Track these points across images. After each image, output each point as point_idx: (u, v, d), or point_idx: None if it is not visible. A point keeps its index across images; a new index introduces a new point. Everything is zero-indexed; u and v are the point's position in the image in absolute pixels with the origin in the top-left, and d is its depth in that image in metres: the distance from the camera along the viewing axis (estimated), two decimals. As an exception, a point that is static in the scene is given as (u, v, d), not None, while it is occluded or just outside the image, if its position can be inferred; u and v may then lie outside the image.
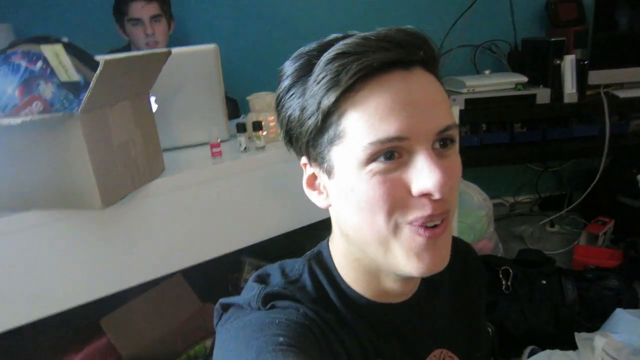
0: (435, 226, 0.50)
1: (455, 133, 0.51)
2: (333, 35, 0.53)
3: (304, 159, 0.58)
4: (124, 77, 0.83)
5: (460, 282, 0.70)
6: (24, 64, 0.75)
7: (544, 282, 1.54)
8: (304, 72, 0.52)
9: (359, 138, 0.49)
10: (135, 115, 0.91)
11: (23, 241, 0.86)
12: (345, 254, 0.59)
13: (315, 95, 0.50)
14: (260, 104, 1.16)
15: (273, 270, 0.63)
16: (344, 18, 2.13)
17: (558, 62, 1.83)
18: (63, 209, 0.86)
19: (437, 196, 0.48)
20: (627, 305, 1.42)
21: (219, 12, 2.05)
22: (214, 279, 1.56)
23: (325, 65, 0.49)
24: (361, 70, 0.48)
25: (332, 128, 0.51)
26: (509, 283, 1.52)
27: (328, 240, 0.63)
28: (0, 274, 0.84)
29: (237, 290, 1.55)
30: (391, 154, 0.49)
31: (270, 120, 1.18)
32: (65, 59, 0.79)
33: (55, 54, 0.77)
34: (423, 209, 0.49)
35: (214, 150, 1.10)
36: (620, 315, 1.31)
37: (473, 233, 1.76)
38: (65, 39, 0.81)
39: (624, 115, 2.00)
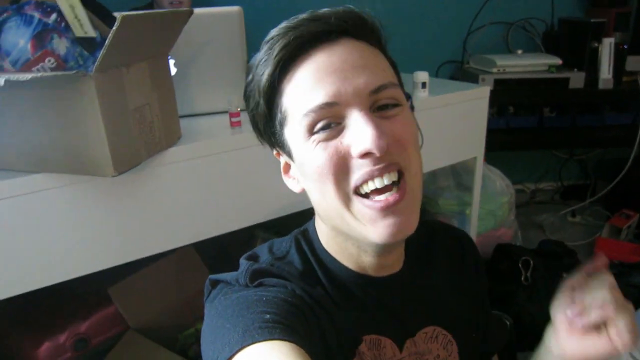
0: (388, 191, 0.50)
1: (395, 94, 0.52)
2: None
3: (275, 150, 0.60)
4: (143, 36, 0.77)
5: (457, 264, 0.70)
6: (37, 15, 0.70)
7: (565, 274, 1.48)
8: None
9: (296, 113, 0.51)
10: (153, 78, 0.86)
11: (32, 204, 0.82)
12: (325, 230, 0.60)
13: (256, 81, 0.53)
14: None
15: (261, 250, 0.63)
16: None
17: (596, 45, 1.73)
18: (74, 174, 0.81)
19: (376, 152, 0.48)
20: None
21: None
22: (226, 252, 1.53)
23: (261, 52, 0.53)
24: (282, 49, 0.50)
25: (278, 110, 0.53)
26: (528, 274, 1.47)
27: (314, 219, 0.64)
28: (8, 238, 0.80)
29: (249, 265, 1.52)
30: (327, 124, 0.50)
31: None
32: (82, 12, 0.73)
33: (70, 6, 0.71)
34: (363, 168, 0.50)
35: (233, 119, 1.04)
36: (645, 315, 1.25)
37: (494, 219, 1.70)
38: (81, -9, 0.75)
39: (659, 105, 1.91)
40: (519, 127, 1.90)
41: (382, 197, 0.50)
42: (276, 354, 0.44)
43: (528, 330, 1.42)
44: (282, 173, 0.62)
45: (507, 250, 1.54)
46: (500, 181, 1.73)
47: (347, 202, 0.51)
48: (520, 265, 1.46)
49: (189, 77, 1.09)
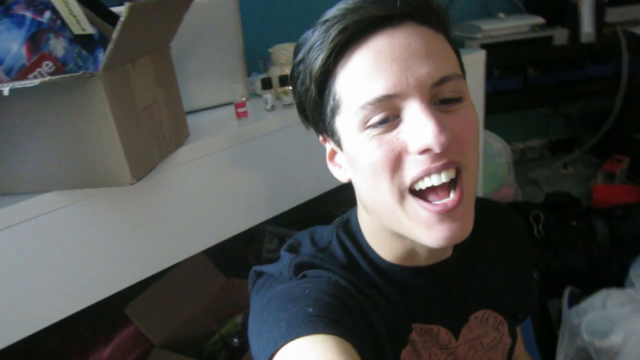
0: (446, 195, 0.48)
1: (458, 86, 0.49)
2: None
3: (321, 136, 0.58)
4: (147, 28, 0.70)
5: (504, 248, 0.69)
6: (29, 14, 0.62)
7: (575, 223, 1.51)
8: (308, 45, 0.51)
9: (351, 103, 0.48)
10: (157, 74, 0.79)
11: (43, 227, 0.74)
12: (369, 223, 0.58)
13: (308, 65, 0.50)
14: (286, 56, 1.04)
15: (303, 238, 0.62)
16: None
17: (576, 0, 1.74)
18: (87, 187, 0.74)
19: (436, 149, 0.45)
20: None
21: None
22: (234, 252, 1.49)
23: (314, 35, 0.49)
24: (339, 33, 0.47)
25: (330, 98, 0.51)
26: (540, 228, 1.49)
27: (355, 210, 0.62)
28: (19, 270, 0.72)
29: (259, 262, 1.47)
30: (385, 118, 0.47)
31: (295, 74, 1.07)
32: (77, 8, 0.66)
33: (64, 2, 0.64)
34: (420, 165, 0.47)
35: (240, 110, 0.99)
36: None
37: (495, 181, 1.70)
38: (72, -15, 0.67)
39: (638, 52, 1.94)
40: (505, 89, 1.91)
41: (440, 200, 0.48)
42: (319, 349, 0.44)
43: (548, 280, 1.44)
44: (328, 160, 0.60)
45: (516, 207, 1.55)
46: (496, 143, 1.73)
47: (401, 200, 0.49)
48: (531, 220, 1.47)
49: (186, 71, 1.01)
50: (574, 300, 1.29)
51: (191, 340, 1.24)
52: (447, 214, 0.48)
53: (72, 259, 0.77)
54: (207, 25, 0.99)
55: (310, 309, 0.48)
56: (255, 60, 1.26)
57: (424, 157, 0.47)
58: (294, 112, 1.01)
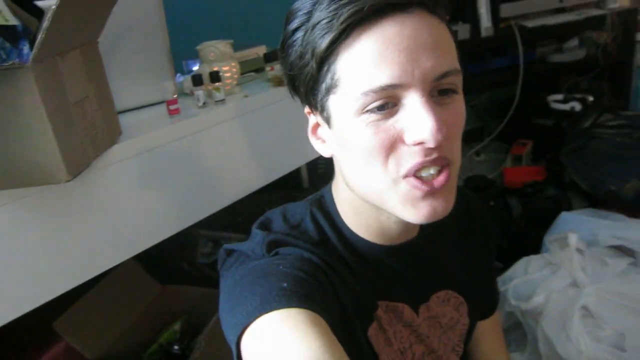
0: (431, 177, 0.50)
1: (456, 80, 0.50)
2: None
3: (307, 108, 0.58)
4: (77, 19, 0.69)
5: (464, 230, 0.72)
6: (-54, 4, 0.59)
7: (492, 203, 1.64)
8: (308, 16, 0.50)
9: (352, 87, 0.48)
10: (87, 68, 0.78)
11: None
12: (348, 200, 0.59)
13: (311, 41, 0.49)
14: (214, 52, 1.05)
15: (275, 215, 0.63)
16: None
17: (472, -4, 1.91)
18: (19, 187, 0.71)
19: (431, 144, 0.47)
20: (564, 210, 1.57)
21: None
22: (168, 259, 1.45)
23: (322, 10, 0.48)
24: (352, 15, 0.46)
25: (328, 76, 0.50)
26: (462, 210, 1.60)
27: (331, 185, 0.64)
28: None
29: (194, 267, 1.45)
30: (383, 105, 0.48)
31: (225, 70, 1.08)
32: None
33: (-16, -8, 0.61)
34: (414, 156, 0.49)
35: (172, 107, 0.98)
36: (566, 217, 1.44)
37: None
38: (-10, -25, 0.65)
39: (531, 44, 2.16)
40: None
41: (427, 177, 0.50)
42: (293, 322, 0.45)
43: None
44: (310, 132, 0.59)
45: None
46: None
47: (392, 185, 0.50)
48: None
49: (113, 69, 0.98)
50: (498, 275, 1.40)
51: (128, 351, 1.19)
52: (431, 193, 0.50)
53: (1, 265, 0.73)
54: (131, 21, 0.97)
55: (285, 284, 0.49)
56: (178, 61, 1.25)
57: (418, 149, 0.48)
58: (226, 109, 1.04)
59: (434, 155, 0.49)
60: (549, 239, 1.26)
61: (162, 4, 1.00)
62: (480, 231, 0.74)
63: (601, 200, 1.74)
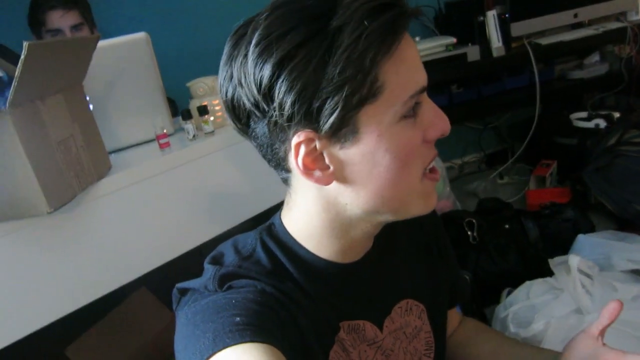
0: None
1: None
2: None
3: (300, 136, 0.49)
4: (52, 66, 0.76)
5: (416, 233, 0.71)
6: None
7: (507, 226, 1.58)
8: (317, 34, 0.46)
9: (400, 92, 0.49)
10: (71, 110, 0.85)
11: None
12: (309, 225, 0.58)
13: (357, 54, 0.45)
14: (203, 88, 1.11)
15: (226, 248, 0.61)
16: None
17: (481, 18, 1.90)
18: (6, 220, 0.77)
19: (447, 134, 0.53)
20: (585, 233, 1.49)
21: (144, 6, 1.96)
22: (174, 282, 1.49)
23: (361, 25, 0.45)
24: (402, 25, 0.48)
25: (365, 87, 0.47)
26: (474, 234, 1.55)
27: (280, 214, 0.62)
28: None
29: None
30: (413, 110, 0.51)
31: (215, 104, 1.14)
32: (-18, 52, 0.71)
33: (-32, 47, 0.69)
34: (432, 150, 0.54)
35: (162, 141, 1.04)
36: (582, 240, 1.37)
37: (432, 194, 1.78)
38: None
39: (548, 62, 2.11)
40: (433, 107, 2.02)
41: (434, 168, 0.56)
42: (247, 357, 0.44)
43: (486, 286, 1.50)
44: (302, 167, 0.51)
45: (451, 217, 1.62)
46: (429, 158, 1.82)
47: (419, 183, 0.54)
48: (465, 227, 1.53)
49: (107, 111, 1.07)
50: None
51: (136, 377, 1.22)
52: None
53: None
54: (122, 66, 1.05)
55: (238, 318, 0.48)
56: (185, 99, 1.33)
57: (431, 144, 0.54)
58: (215, 140, 1.08)
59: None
60: (554, 262, 1.20)
61: (151, 47, 1.07)
62: (432, 233, 0.73)
63: (628, 222, 1.64)
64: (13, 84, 0.67)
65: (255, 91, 0.48)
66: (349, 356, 0.60)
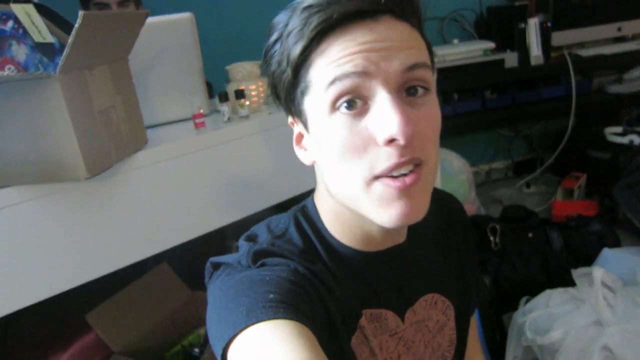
0: (404, 175, 0.49)
1: (427, 75, 0.50)
2: None
3: (290, 117, 0.59)
4: (102, 37, 0.79)
5: (446, 230, 0.71)
6: (-7, 23, 0.70)
7: (531, 234, 1.57)
8: (285, 26, 0.52)
9: (321, 82, 0.49)
10: (115, 81, 0.87)
11: (1, 222, 0.80)
12: (330, 207, 0.59)
13: (286, 49, 0.51)
14: (242, 72, 1.13)
15: (259, 229, 0.63)
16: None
17: (523, 25, 1.88)
18: (44, 182, 0.81)
19: (401, 141, 0.46)
20: (611, 247, 1.47)
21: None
22: (200, 267, 1.52)
23: (294, 19, 0.50)
24: (321, 22, 0.48)
25: (302, 80, 0.52)
26: (497, 240, 1.54)
27: (313, 196, 0.64)
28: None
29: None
30: (352, 100, 0.48)
31: (252, 89, 1.16)
32: (38, 19, 0.74)
33: (26, 13, 0.73)
34: (389, 158, 0.48)
35: (197, 120, 1.06)
36: (608, 254, 1.35)
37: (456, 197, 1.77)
38: (35, 0, 0.76)
39: (586, 74, 2.07)
40: (465, 111, 2.01)
41: (399, 175, 0.49)
42: (280, 333, 0.44)
43: (506, 292, 1.49)
44: (295, 143, 0.60)
45: (474, 221, 1.61)
46: (456, 161, 1.82)
47: (365, 186, 0.51)
48: (488, 232, 1.52)
49: (147, 87, 1.09)
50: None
51: (152, 349, 1.25)
52: (404, 191, 0.49)
53: (27, 251, 0.82)
54: (166, 44, 1.07)
55: (271, 295, 0.49)
56: (222, 82, 1.35)
57: (391, 150, 0.48)
58: (249, 124, 1.10)
59: (407, 157, 0.48)
60: (577, 273, 1.18)
61: (195, 27, 1.09)
62: (462, 233, 0.73)
63: (657, 241, 1.61)
64: (65, 51, 0.69)
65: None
66: (369, 344, 0.60)
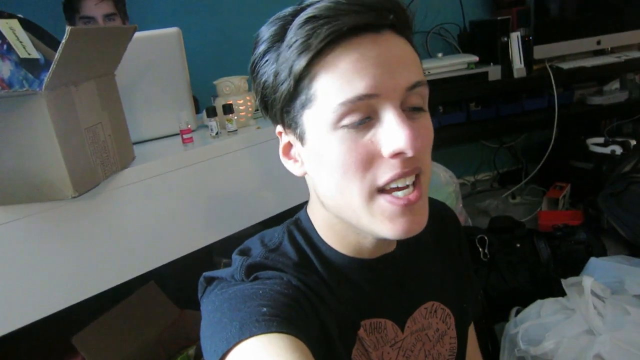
0: (407, 188, 0.51)
1: (425, 92, 0.53)
2: (308, 0, 0.52)
3: (279, 127, 0.58)
4: (89, 52, 0.78)
5: (440, 238, 0.72)
6: (-24, 39, 0.69)
7: (519, 245, 1.58)
8: (278, 37, 0.52)
9: (329, 100, 0.49)
10: (102, 97, 0.86)
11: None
12: (324, 218, 0.60)
13: (287, 60, 0.51)
14: (229, 87, 1.13)
15: (253, 243, 0.63)
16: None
17: (505, 39, 1.92)
18: (31, 202, 0.78)
19: (409, 153, 0.48)
20: (597, 256, 1.48)
21: (176, 1, 2.00)
22: (189, 285, 1.49)
23: (297, 30, 0.50)
24: (330, 34, 0.48)
25: (303, 92, 0.51)
26: (485, 250, 1.55)
27: (306, 208, 0.64)
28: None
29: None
30: (361, 119, 0.49)
31: (240, 104, 1.15)
32: (23, 34, 0.73)
33: (11, 28, 0.71)
34: (393, 168, 0.50)
35: (185, 136, 1.05)
36: (595, 263, 1.36)
37: (444, 209, 1.78)
38: (20, 15, 0.75)
39: (568, 86, 2.12)
40: (450, 123, 2.04)
41: (402, 193, 0.51)
42: (273, 347, 0.44)
43: (496, 302, 1.49)
44: (281, 153, 0.60)
45: (463, 233, 1.62)
46: (443, 173, 1.83)
47: (368, 199, 0.51)
48: (477, 243, 1.53)
49: (133, 102, 1.08)
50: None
51: (140, 371, 1.22)
52: (408, 208, 0.51)
53: (13, 275, 0.79)
54: (152, 58, 1.06)
55: (264, 309, 0.48)
56: (208, 97, 1.35)
57: (396, 161, 0.49)
58: (237, 139, 1.10)
59: (411, 167, 0.50)
60: (567, 282, 1.19)
61: (182, 43, 1.08)
62: (456, 241, 0.73)
63: (641, 248, 1.63)
64: (52, 67, 0.68)
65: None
66: (369, 357, 0.60)
